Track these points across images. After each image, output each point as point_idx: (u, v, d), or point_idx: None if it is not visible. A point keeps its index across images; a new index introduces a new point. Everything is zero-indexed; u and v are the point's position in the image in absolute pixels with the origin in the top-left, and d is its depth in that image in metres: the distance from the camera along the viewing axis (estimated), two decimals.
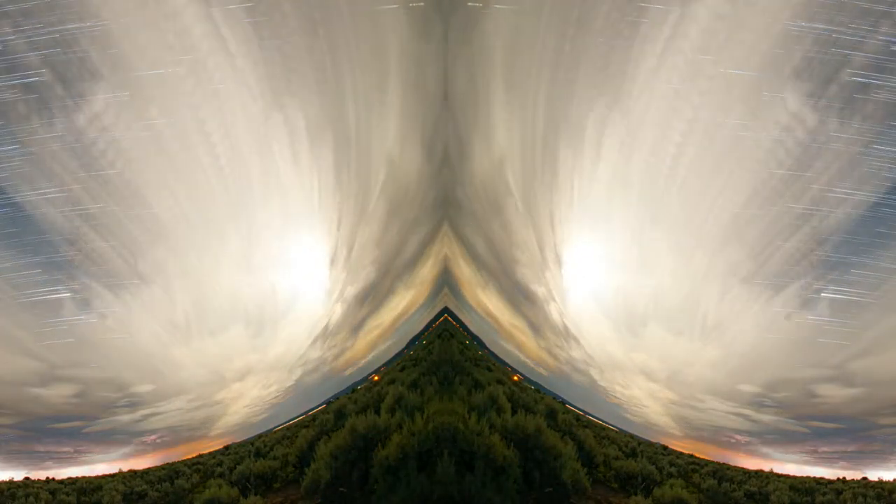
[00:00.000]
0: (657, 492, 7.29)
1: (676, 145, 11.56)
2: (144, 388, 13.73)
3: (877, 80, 9.81)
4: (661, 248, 13.14)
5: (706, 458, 13.34)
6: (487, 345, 20.39)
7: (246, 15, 10.45)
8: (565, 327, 16.79)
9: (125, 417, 13.68)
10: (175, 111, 11.03)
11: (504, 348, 19.36)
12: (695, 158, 11.59)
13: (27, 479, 11.58)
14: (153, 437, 14.22)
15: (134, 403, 13.68)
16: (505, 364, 19.36)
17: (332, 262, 15.22)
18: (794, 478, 11.65)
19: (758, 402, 13.66)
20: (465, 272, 17.54)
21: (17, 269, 11.34)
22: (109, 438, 13.49)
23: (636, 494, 7.34)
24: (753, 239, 11.97)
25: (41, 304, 11.77)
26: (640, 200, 12.58)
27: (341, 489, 6.11)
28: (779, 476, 11.77)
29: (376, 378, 17.73)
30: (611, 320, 15.13)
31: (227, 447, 14.18)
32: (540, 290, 16.41)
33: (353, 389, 16.86)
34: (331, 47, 11.26)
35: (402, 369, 15.89)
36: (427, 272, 18.41)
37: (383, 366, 19.44)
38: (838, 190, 10.97)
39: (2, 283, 11.33)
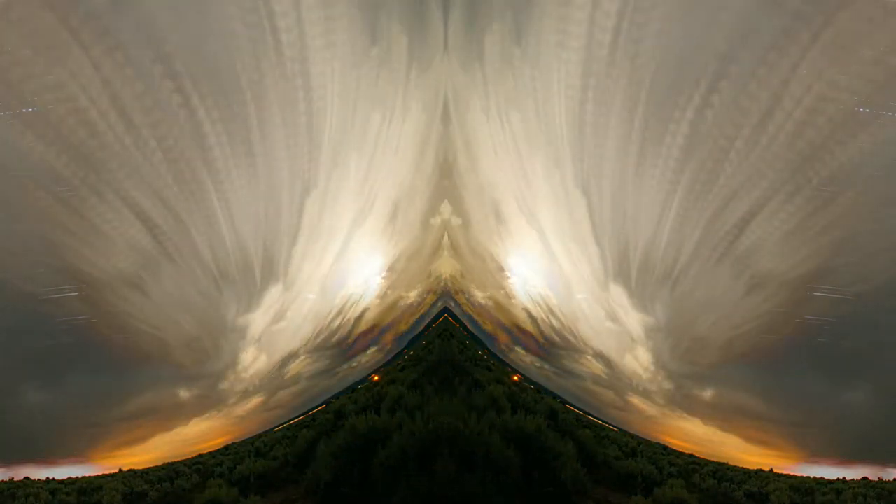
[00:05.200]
0: (657, 492, 7.28)
1: None
2: None
3: None
4: None
5: (706, 457, 13.33)
6: (487, 344, 20.45)
7: None
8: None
9: None
10: None
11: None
12: None
13: (27, 478, 11.57)
14: None
15: None
16: (505, 364, 19.40)
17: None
18: (795, 477, 11.64)
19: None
20: None
21: None
22: None
23: (636, 494, 7.33)
24: None
25: None
26: None
27: (341, 489, 6.11)
28: (779, 476, 11.76)
29: (376, 378, 17.76)
30: None
31: (227, 447, 14.18)
32: None
33: (353, 389, 16.88)
34: None
35: (402, 369, 15.90)
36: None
37: (383, 366, 19.48)
38: None
39: None
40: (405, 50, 13.19)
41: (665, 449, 14.06)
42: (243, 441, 14.66)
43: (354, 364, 19.25)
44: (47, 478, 11.53)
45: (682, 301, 14.02)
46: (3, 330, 11.66)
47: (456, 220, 17.42)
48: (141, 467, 12.33)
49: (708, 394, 14.70)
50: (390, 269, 17.77)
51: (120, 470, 12.41)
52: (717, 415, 14.42)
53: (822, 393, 12.65)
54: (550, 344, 17.98)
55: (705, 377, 14.55)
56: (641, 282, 14.46)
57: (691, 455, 13.42)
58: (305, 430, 10.65)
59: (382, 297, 18.38)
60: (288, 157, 13.20)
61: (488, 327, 20.49)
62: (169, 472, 10.88)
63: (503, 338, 20.19)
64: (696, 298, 13.70)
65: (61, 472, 11.88)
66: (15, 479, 11.51)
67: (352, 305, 17.59)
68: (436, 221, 17.69)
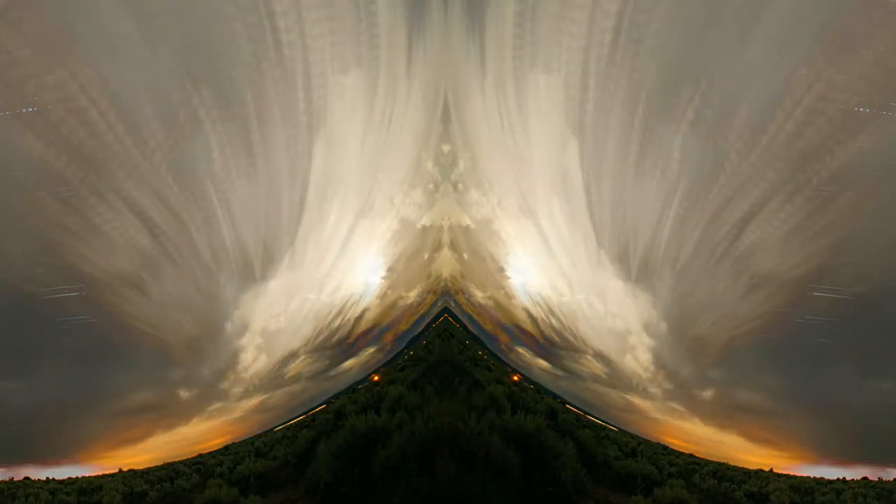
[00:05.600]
0: (657, 492, 7.27)
1: None
2: None
3: None
4: None
5: (706, 457, 13.33)
6: (487, 344, 20.45)
7: None
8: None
9: None
10: None
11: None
12: None
13: (27, 478, 11.57)
14: None
15: None
16: (505, 364, 19.40)
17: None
18: (795, 477, 11.64)
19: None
20: None
21: None
22: None
23: (636, 494, 7.32)
24: None
25: None
26: None
27: (341, 489, 6.11)
28: (779, 476, 11.76)
29: (376, 378, 17.74)
30: None
31: (227, 447, 14.17)
32: None
33: (353, 389, 16.87)
34: None
35: (402, 369, 15.90)
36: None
37: (383, 366, 19.47)
38: None
39: None
40: (404, 49, 13.19)
41: (665, 449, 14.05)
42: (243, 441, 14.65)
43: (354, 364, 19.26)
44: (47, 478, 11.53)
45: (682, 301, 14.02)
46: (4, 329, 11.67)
47: (456, 221, 17.42)
48: (141, 467, 12.32)
49: (708, 393, 14.71)
50: (390, 269, 17.77)
51: (120, 470, 12.41)
52: (718, 414, 14.42)
53: (822, 392, 12.66)
54: (550, 344, 17.99)
55: (705, 377, 14.55)
56: (641, 282, 14.46)
57: (691, 455, 13.41)
58: (305, 430, 10.65)
59: (382, 297, 18.39)
60: (288, 157, 13.21)
61: (488, 327, 20.49)
62: (169, 472, 10.87)
63: (503, 338, 20.19)
64: (696, 298, 13.70)
65: (61, 472, 11.88)
66: (15, 479, 11.51)
67: (352, 305, 17.59)
68: (436, 221, 17.68)
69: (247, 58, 11.42)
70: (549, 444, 6.53)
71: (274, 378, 16.54)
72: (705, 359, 14.29)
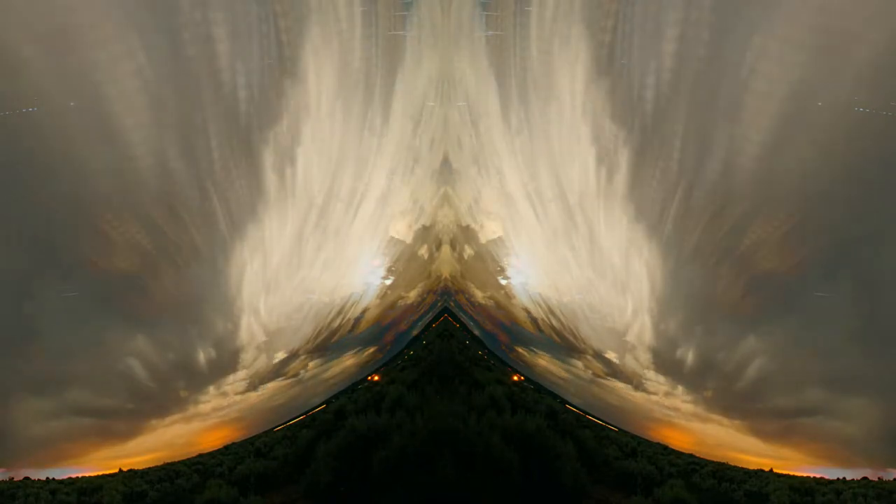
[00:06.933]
0: (657, 492, 7.28)
1: None
2: None
3: None
4: None
5: (706, 457, 13.32)
6: (487, 344, 20.47)
7: None
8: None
9: None
10: None
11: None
12: None
13: (27, 478, 11.57)
14: None
15: None
16: (505, 364, 19.41)
17: None
18: (795, 477, 11.64)
19: None
20: None
21: None
22: None
23: (636, 494, 7.33)
24: None
25: None
26: None
27: (341, 489, 6.11)
28: (779, 476, 11.76)
29: (376, 378, 17.76)
30: None
31: (227, 447, 14.17)
32: None
33: (353, 389, 16.88)
34: None
35: (403, 369, 15.92)
36: None
37: (383, 366, 19.48)
38: None
39: None
40: (403, 47, 13.22)
41: (665, 449, 14.05)
42: (243, 441, 14.65)
43: (353, 364, 19.26)
44: (47, 478, 11.53)
45: (683, 301, 14.02)
46: (4, 328, 11.66)
47: (456, 220, 17.43)
48: (141, 467, 12.32)
49: (709, 393, 14.71)
50: (390, 269, 17.79)
51: (120, 470, 12.40)
52: (719, 413, 14.43)
53: (823, 394, 12.67)
54: (550, 344, 17.99)
55: (706, 377, 14.55)
56: (642, 282, 14.46)
57: (691, 455, 13.40)
58: (305, 430, 10.67)
59: (382, 297, 18.40)
60: (288, 156, 13.21)
61: (488, 327, 20.50)
62: (169, 472, 10.87)
63: (503, 338, 20.20)
64: (696, 298, 13.70)
65: (61, 472, 11.88)
66: (15, 479, 11.51)
67: (352, 305, 17.60)
68: (437, 222, 17.70)
69: (247, 57, 11.44)
70: (549, 444, 6.53)
71: (274, 378, 16.55)
72: (706, 359, 14.30)
